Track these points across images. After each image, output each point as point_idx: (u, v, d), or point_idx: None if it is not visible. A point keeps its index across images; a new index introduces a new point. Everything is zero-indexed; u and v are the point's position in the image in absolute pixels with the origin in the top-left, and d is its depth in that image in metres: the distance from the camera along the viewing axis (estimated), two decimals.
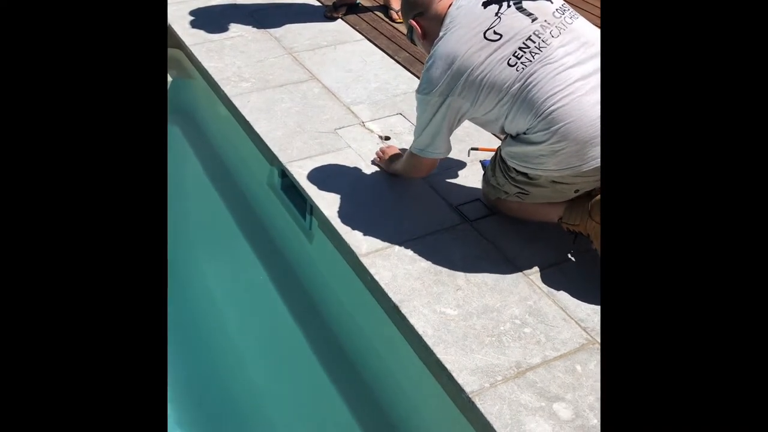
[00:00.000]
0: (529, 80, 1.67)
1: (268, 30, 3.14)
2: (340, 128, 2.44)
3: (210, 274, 2.76)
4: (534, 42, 1.68)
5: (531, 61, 1.67)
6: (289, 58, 2.91)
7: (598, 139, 1.65)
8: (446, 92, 1.75)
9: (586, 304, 1.75)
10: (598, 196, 1.76)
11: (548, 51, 1.67)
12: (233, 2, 3.38)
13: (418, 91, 1.83)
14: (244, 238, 2.51)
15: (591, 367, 1.58)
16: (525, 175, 1.81)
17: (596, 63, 1.67)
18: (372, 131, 2.44)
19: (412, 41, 1.98)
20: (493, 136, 2.42)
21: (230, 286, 2.63)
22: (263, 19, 3.23)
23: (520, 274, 1.84)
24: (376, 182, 2.18)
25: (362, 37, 3.11)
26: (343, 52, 2.98)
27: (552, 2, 1.75)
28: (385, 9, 3.35)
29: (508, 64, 1.69)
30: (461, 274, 1.83)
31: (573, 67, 1.66)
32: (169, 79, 3.07)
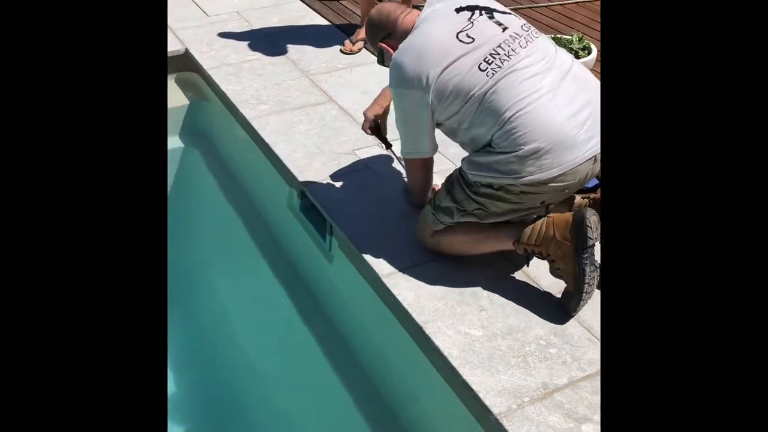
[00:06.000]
0: (495, 86, 1.69)
1: (284, 53, 3.17)
2: (358, 149, 2.45)
3: (228, 295, 2.76)
4: (504, 50, 1.72)
5: (500, 67, 1.70)
6: (306, 81, 2.93)
7: (566, 144, 1.65)
8: (420, 86, 1.74)
9: None
10: (557, 215, 1.74)
11: (516, 59, 1.71)
12: (250, 26, 3.42)
13: (393, 84, 1.82)
14: (263, 259, 2.52)
15: None
16: (490, 186, 1.74)
17: (556, 75, 1.72)
18: (393, 151, 2.44)
19: (384, 65, 1.96)
20: None
21: (249, 307, 2.63)
22: (279, 42, 3.27)
23: (543, 293, 1.83)
24: (396, 202, 2.18)
25: None
26: (358, 74, 3.01)
27: (519, 18, 1.84)
28: None
29: (479, 68, 1.71)
30: (484, 294, 1.82)
31: (536, 76, 1.70)
32: (187, 101, 3.10)
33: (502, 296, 1.82)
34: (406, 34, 1.84)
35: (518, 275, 1.89)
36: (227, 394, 2.52)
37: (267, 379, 2.42)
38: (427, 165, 1.99)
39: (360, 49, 3.21)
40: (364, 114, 2.18)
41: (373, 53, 1.99)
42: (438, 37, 1.76)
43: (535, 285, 1.86)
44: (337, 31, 3.41)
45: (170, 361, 2.67)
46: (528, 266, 1.87)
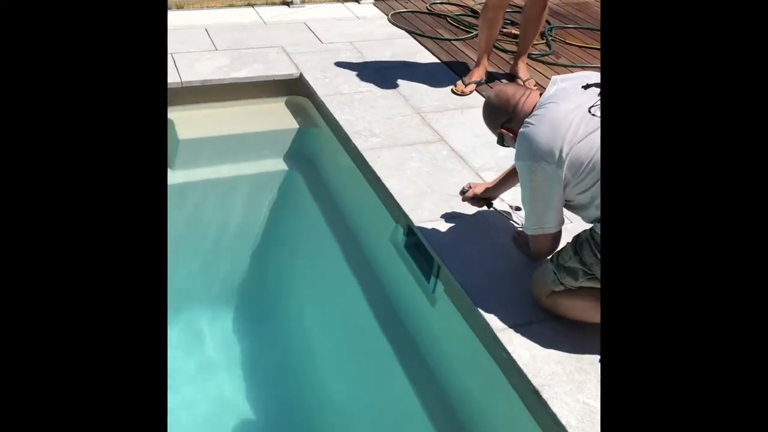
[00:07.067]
0: None
1: (396, 88, 3.18)
2: None
3: (319, 322, 2.74)
4: None
5: None
6: (417, 118, 2.92)
7: None
8: (553, 160, 1.67)
9: None
10: None
11: None
12: (362, 58, 3.46)
13: (523, 157, 1.74)
14: (360, 290, 2.48)
15: None
16: None
17: None
18: (503, 200, 2.39)
19: (504, 145, 1.92)
20: None
21: (339, 336, 2.60)
22: (391, 76, 3.28)
23: None
24: (507, 251, 2.11)
25: None
26: (470, 116, 2.97)
27: None
28: (512, 77, 3.34)
29: None
30: None
31: None
32: (296, 126, 3.13)
33: None
34: (526, 117, 1.78)
35: None
36: (306, 423, 2.47)
37: (351, 415, 2.36)
38: (554, 236, 1.88)
39: (471, 92, 3.19)
40: (473, 194, 2.21)
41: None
42: (570, 111, 1.69)
43: None
44: (449, 71, 3.40)
45: (253, 378, 2.66)
46: None
